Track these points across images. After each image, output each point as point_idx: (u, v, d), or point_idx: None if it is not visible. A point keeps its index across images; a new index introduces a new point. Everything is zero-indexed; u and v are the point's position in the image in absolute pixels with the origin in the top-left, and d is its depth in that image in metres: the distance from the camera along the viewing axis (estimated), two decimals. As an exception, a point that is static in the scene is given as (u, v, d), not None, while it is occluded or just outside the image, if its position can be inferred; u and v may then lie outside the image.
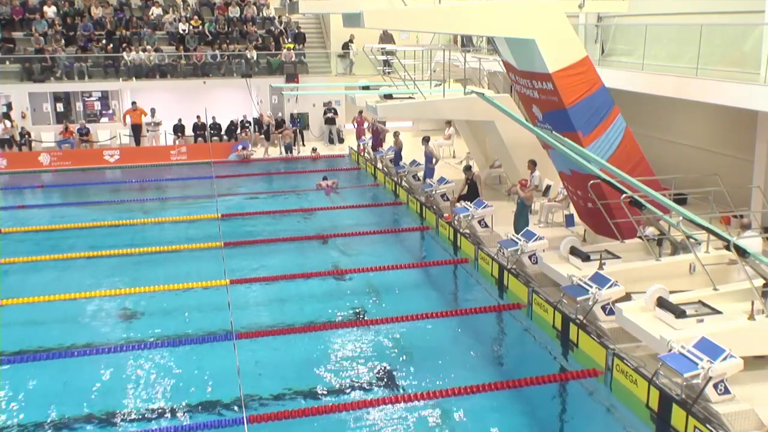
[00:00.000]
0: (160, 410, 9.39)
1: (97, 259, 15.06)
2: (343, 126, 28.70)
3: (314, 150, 26.11)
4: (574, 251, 12.07)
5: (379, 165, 22.50)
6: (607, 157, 12.76)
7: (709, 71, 13.61)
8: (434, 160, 19.46)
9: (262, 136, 27.46)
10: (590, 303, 10.38)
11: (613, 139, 13.12)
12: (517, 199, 14.91)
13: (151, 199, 21.29)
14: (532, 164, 16.25)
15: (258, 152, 26.40)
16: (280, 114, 28.15)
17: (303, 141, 27.79)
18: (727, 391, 8.15)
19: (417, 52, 22.71)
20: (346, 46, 29.36)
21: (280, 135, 26.89)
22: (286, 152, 26.34)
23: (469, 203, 15.55)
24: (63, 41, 27.73)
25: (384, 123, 24.01)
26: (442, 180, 17.74)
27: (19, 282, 13.86)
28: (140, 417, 9.24)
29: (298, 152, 26.60)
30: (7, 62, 26.88)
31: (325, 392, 9.80)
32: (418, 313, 11.84)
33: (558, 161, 14.15)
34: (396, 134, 21.83)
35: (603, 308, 10.38)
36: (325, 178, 21.72)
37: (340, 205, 19.48)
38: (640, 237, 12.04)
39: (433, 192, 17.53)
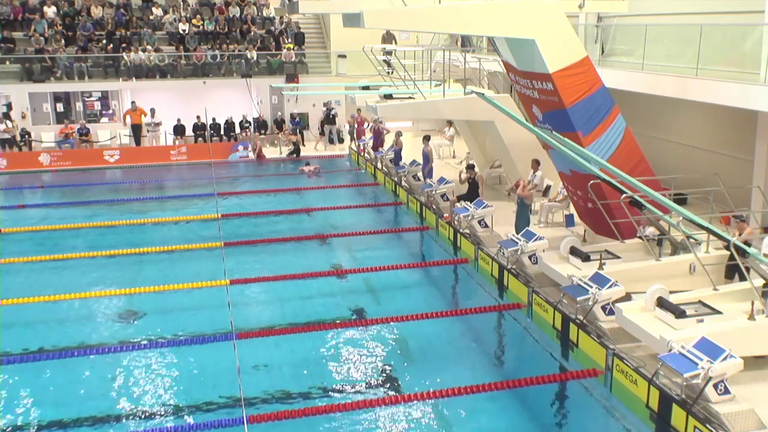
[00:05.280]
0: (160, 410, 9.38)
1: (97, 259, 15.06)
2: (343, 126, 28.69)
3: (308, 163, 24.67)
4: (574, 251, 12.07)
5: (379, 165, 22.50)
6: (607, 157, 12.77)
7: (708, 71, 13.60)
8: (430, 161, 19.40)
9: (262, 136, 27.47)
10: (590, 303, 10.38)
11: (613, 139, 13.12)
12: (516, 198, 14.91)
13: (151, 198, 21.28)
14: (536, 163, 16.23)
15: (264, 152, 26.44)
16: (279, 114, 28.15)
17: (303, 141, 27.80)
18: (727, 391, 8.15)
19: (417, 52, 22.71)
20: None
21: (281, 135, 26.89)
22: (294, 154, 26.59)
23: (469, 203, 15.55)
24: (63, 41, 27.72)
25: (383, 123, 24.00)
26: (442, 180, 17.73)
27: (19, 282, 13.85)
28: (140, 417, 9.23)
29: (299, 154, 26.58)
30: (7, 62, 26.88)
31: (325, 392, 9.79)
32: (418, 313, 11.83)
33: (558, 161, 14.15)
34: (398, 134, 21.83)
35: (603, 308, 10.38)
36: (307, 164, 22.95)
37: (340, 205, 19.47)
38: (640, 237, 12.05)
39: (433, 192, 17.53)
